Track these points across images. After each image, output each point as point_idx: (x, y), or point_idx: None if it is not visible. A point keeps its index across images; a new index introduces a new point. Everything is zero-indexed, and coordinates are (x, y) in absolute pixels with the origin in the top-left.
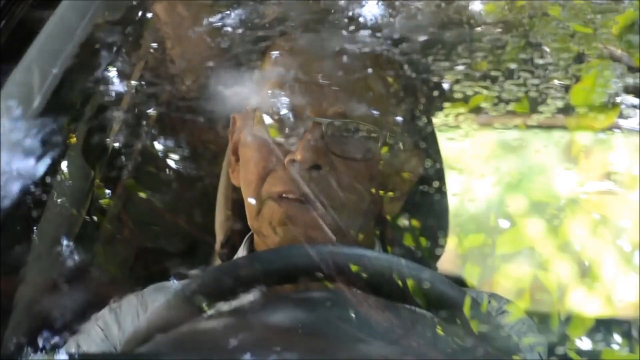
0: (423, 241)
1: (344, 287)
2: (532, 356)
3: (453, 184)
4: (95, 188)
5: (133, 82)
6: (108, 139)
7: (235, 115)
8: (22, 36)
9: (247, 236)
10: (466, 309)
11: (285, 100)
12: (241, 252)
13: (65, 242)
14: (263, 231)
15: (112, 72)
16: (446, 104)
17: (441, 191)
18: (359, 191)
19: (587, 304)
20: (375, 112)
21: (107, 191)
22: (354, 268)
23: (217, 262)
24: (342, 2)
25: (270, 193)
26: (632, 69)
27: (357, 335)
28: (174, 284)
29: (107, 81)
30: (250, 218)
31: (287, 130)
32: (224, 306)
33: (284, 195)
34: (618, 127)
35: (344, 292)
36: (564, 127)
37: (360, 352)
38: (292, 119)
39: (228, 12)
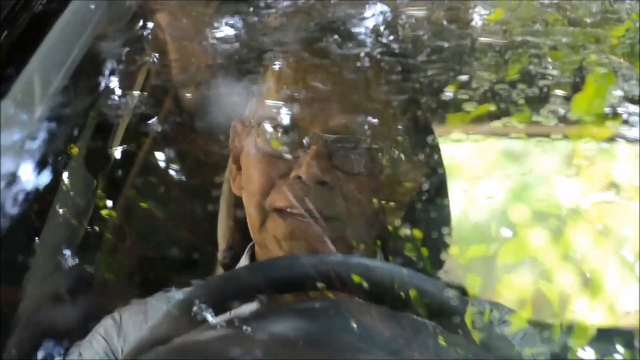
0: (425, 251)
1: (346, 297)
2: None
3: (455, 193)
4: (98, 198)
5: (135, 92)
6: (110, 149)
7: (237, 123)
8: (25, 46)
9: (249, 246)
10: (468, 319)
11: (287, 112)
12: (243, 261)
13: (67, 252)
14: (267, 244)
15: (114, 82)
16: (448, 114)
17: (443, 201)
18: (363, 204)
19: (589, 314)
20: (377, 123)
21: (109, 201)
22: (355, 278)
23: (219, 271)
24: (344, 14)
25: (274, 207)
26: (633, 78)
27: (359, 345)
28: (176, 293)
29: (109, 91)
30: (253, 230)
31: (290, 143)
32: (225, 316)
33: (288, 210)
34: (620, 136)
35: (346, 302)
36: (565, 137)
37: None
38: (295, 132)
39: (230, 22)
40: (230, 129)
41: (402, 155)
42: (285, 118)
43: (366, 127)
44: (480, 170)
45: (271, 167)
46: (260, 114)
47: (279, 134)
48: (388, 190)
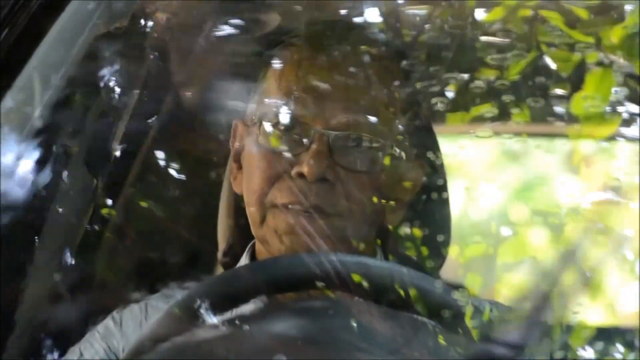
0: (425, 250)
1: (346, 296)
2: None
3: (455, 192)
4: (97, 197)
5: (135, 92)
6: (110, 149)
7: (237, 122)
8: (25, 45)
9: (250, 244)
10: (468, 318)
11: (288, 110)
12: (243, 260)
13: (67, 252)
14: (268, 239)
15: (114, 81)
16: (448, 114)
17: (443, 200)
18: (364, 202)
19: (589, 313)
20: (378, 122)
21: (109, 200)
22: (355, 277)
23: (220, 270)
24: (344, 12)
25: (275, 203)
26: (633, 77)
27: (359, 344)
28: (176, 293)
29: (109, 90)
30: (254, 226)
31: (292, 141)
32: (226, 315)
33: (289, 206)
34: (620, 135)
35: (345, 301)
36: (565, 136)
37: None
38: (296, 129)
39: (230, 22)
40: (232, 128)
41: (403, 154)
42: (287, 116)
43: (367, 125)
44: (480, 170)
45: (273, 164)
46: (262, 112)
47: (281, 132)
48: (389, 189)
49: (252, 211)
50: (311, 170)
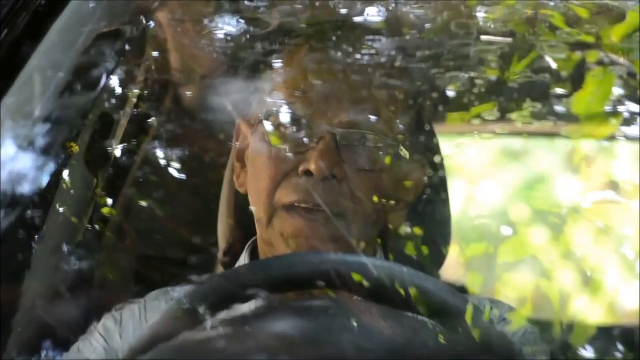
0: (425, 249)
1: (346, 295)
2: None
3: (456, 192)
4: (97, 196)
5: (135, 90)
6: (110, 147)
7: (240, 121)
8: (24, 46)
9: (249, 243)
10: (468, 317)
11: (292, 109)
12: (243, 259)
13: (67, 251)
14: (273, 241)
15: (114, 80)
16: (449, 113)
17: (444, 199)
18: (369, 201)
19: (589, 312)
20: (379, 121)
21: (109, 199)
22: (356, 276)
23: (220, 269)
24: (346, 10)
25: (282, 202)
26: (633, 76)
27: (359, 343)
28: (176, 292)
29: (109, 89)
30: (259, 227)
31: (297, 139)
32: (225, 314)
33: (296, 204)
34: (620, 135)
35: (346, 300)
36: (565, 136)
37: None
38: (302, 128)
39: (231, 20)
40: (234, 127)
41: (407, 154)
42: (293, 114)
43: (370, 124)
44: (480, 170)
45: (280, 162)
46: (268, 111)
47: (287, 130)
48: (392, 189)
49: (258, 211)
50: (318, 167)
